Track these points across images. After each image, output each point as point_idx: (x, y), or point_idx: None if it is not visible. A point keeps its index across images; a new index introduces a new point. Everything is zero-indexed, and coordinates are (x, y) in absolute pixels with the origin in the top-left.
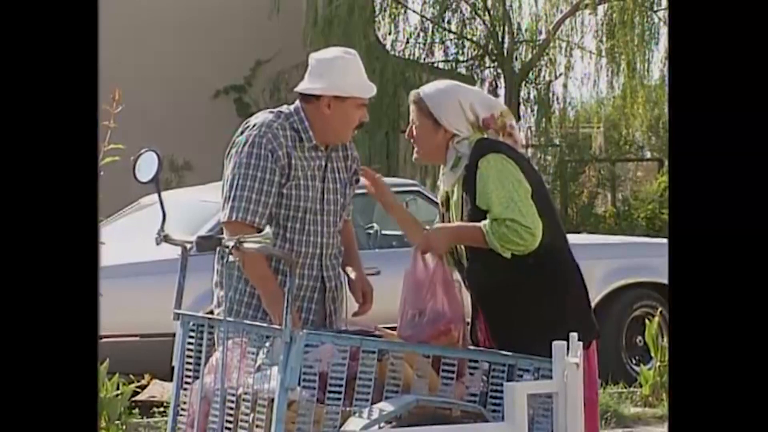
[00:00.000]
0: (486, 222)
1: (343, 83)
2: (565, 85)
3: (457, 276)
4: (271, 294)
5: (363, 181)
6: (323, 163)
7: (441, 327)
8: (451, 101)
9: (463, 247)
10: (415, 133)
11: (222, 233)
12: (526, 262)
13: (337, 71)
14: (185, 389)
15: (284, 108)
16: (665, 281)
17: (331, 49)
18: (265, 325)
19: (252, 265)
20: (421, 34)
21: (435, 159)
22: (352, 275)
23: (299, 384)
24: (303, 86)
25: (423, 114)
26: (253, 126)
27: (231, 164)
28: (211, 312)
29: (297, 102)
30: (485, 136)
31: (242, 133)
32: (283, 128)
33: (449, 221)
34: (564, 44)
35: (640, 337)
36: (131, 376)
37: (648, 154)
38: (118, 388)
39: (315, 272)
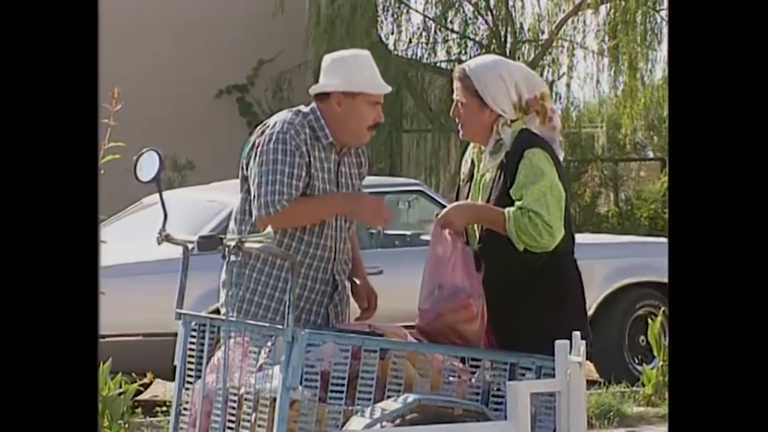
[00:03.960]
0: (511, 209)
1: (351, 79)
2: (567, 85)
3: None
4: (331, 205)
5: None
6: (335, 167)
7: (460, 301)
8: (496, 78)
9: (480, 238)
10: (461, 112)
11: (224, 233)
12: (536, 263)
13: (346, 68)
14: (187, 389)
15: (302, 107)
16: (667, 281)
17: (345, 51)
18: (266, 324)
19: (296, 215)
20: (424, 34)
21: (479, 139)
22: (357, 281)
23: (301, 383)
24: (315, 86)
25: (469, 92)
26: (275, 124)
27: (256, 162)
28: (217, 311)
29: (313, 104)
30: (526, 122)
31: (262, 133)
32: (303, 126)
33: (466, 199)
34: (566, 44)
35: (642, 337)
36: (134, 376)
37: (650, 154)
38: (120, 387)
39: (327, 276)
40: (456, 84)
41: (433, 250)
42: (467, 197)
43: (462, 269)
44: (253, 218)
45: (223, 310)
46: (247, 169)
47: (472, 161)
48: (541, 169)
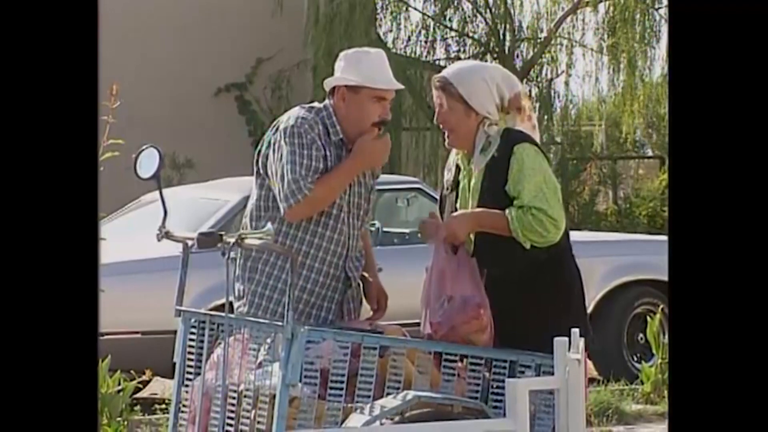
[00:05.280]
0: (511, 209)
1: (354, 73)
2: (566, 83)
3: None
4: (346, 170)
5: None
6: None
7: (471, 312)
8: (479, 82)
9: (477, 238)
10: (446, 118)
11: (223, 230)
12: (537, 259)
13: (353, 64)
14: (186, 386)
15: (316, 104)
16: (666, 278)
17: (360, 48)
18: (266, 321)
19: (321, 197)
20: (423, 32)
21: (467, 145)
22: (369, 281)
23: (300, 380)
24: (325, 81)
25: (453, 98)
26: (288, 119)
27: (276, 158)
28: (217, 308)
29: (326, 100)
30: (507, 122)
31: (276, 130)
32: (316, 122)
33: (454, 208)
34: (565, 42)
35: (641, 335)
36: (133, 373)
37: (649, 152)
38: (119, 385)
39: (339, 272)
40: (437, 93)
41: (437, 263)
42: (455, 204)
43: (469, 280)
44: (282, 212)
45: (237, 304)
46: (264, 168)
47: (457, 167)
48: (533, 163)
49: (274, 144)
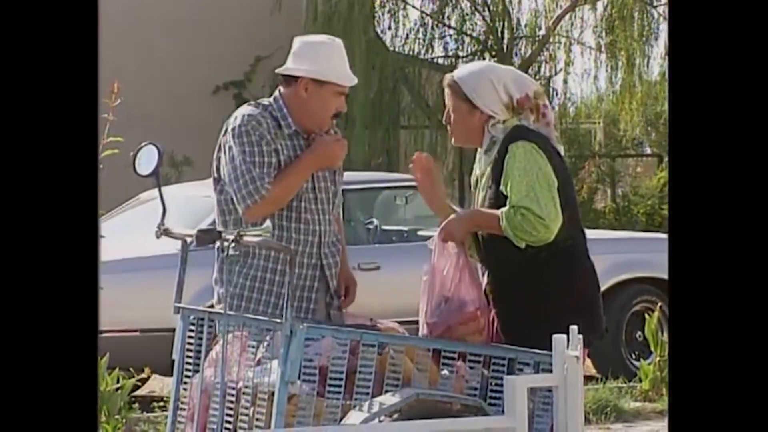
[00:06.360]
0: (504, 209)
1: (322, 67)
2: (564, 81)
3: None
4: (301, 167)
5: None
6: None
7: (468, 314)
8: (485, 81)
9: (480, 236)
10: (452, 117)
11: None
12: (538, 257)
13: (319, 55)
14: (185, 383)
15: (263, 100)
16: (665, 276)
17: (317, 35)
18: (265, 318)
19: (278, 195)
20: (421, 30)
21: (472, 142)
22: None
23: (299, 377)
24: (284, 67)
25: (458, 98)
26: (234, 119)
27: (226, 160)
28: (212, 307)
29: (276, 92)
30: (520, 120)
31: (225, 132)
32: (264, 117)
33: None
34: (563, 40)
35: (639, 332)
36: (131, 371)
37: (648, 150)
38: (118, 383)
39: (314, 260)
40: (446, 91)
41: (436, 264)
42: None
43: (467, 282)
44: (240, 213)
45: (217, 308)
46: (218, 172)
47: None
48: (525, 162)
49: (224, 146)
